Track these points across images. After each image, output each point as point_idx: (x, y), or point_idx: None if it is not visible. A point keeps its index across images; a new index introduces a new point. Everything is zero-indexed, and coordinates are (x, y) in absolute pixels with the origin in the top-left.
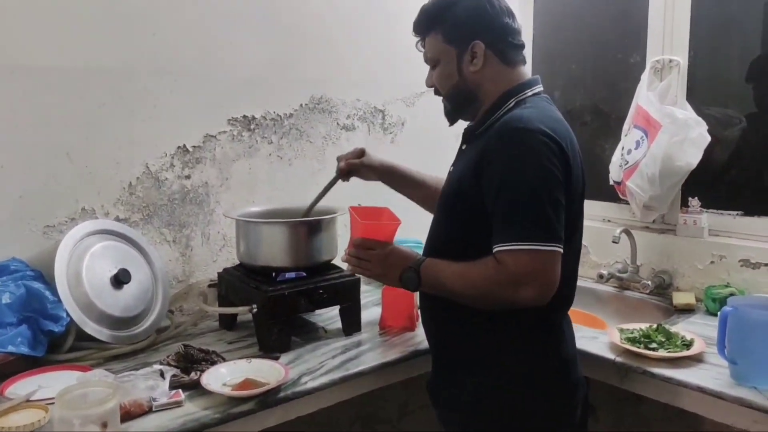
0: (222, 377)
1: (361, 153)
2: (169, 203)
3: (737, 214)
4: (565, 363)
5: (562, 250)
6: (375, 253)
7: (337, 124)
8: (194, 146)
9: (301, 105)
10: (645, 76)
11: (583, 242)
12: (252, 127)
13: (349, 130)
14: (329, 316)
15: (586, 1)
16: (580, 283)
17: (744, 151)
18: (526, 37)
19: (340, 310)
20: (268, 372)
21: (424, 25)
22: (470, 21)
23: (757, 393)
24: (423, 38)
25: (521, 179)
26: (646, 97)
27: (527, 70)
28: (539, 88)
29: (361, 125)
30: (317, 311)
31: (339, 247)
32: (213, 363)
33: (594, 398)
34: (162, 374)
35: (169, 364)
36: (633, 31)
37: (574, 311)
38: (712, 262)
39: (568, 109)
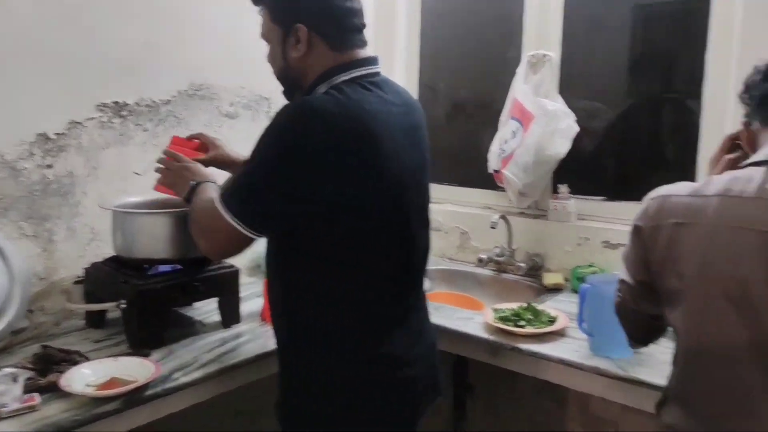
0: (85, 377)
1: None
2: (29, 195)
3: (601, 199)
4: (390, 362)
5: (244, 231)
6: (176, 164)
7: (219, 111)
8: (57, 133)
9: (180, 91)
10: (521, 70)
11: (465, 228)
12: (124, 113)
13: (233, 117)
14: (209, 309)
15: None
16: (462, 267)
17: (608, 141)
18: (413, 30)
19: (219, 302)
20: (136, 370)
21: None
22: (292, 1)
23: (611, 362)
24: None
25: (255, 146)
26: (521, 89)
27: (366, 53)
28: (365, 70)
29: (245, 113)
30: (196, 304)
31: None
32: (75, 363)
33: (472, 377)
34: (14, 378)
35: (24, 367)
36: (511, 27)
37: (455, 295)
38: (578, 244)
39: (454, 101)
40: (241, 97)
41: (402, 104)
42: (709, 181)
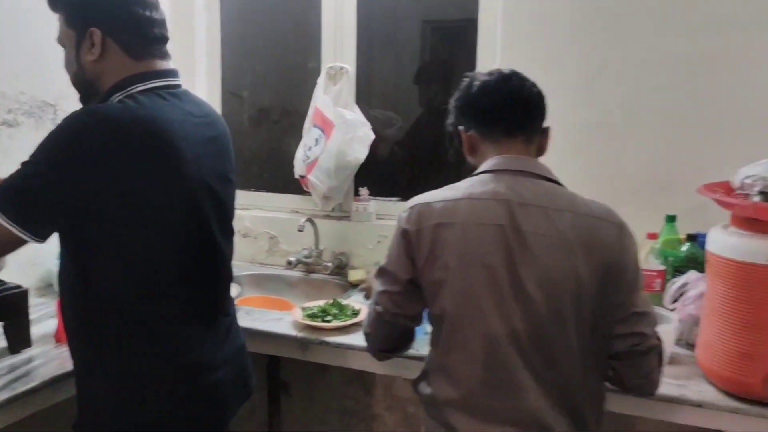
0: None
1: None
2: None
3: (396, 200)
4: (197, 369)
5: (18, 233)
6: None
7: None
8: None
9: None
10: (321, 81)
11: (273, 232)
12: None
13: (12, 126)
14: None
15: (268, 8)
16: (272, 271)
17: (400, 146)
18: (213, 38)
19: (4, 327)
20: None
21: (49, 3)
22: (87, 5)
23: None
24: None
25: (38, 149)
26: (322, 99)
27: (167, 65)
28: (164, 81)
29: (27, 121)
30: None
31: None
32: None
33: (287, 375)
34: None
35: None
36: (310, 39)
37: (266, 298)
38: (378, 242)
39: (260, 107)
40: (21, 104)
41: (202, 115)
42: (454, 187)
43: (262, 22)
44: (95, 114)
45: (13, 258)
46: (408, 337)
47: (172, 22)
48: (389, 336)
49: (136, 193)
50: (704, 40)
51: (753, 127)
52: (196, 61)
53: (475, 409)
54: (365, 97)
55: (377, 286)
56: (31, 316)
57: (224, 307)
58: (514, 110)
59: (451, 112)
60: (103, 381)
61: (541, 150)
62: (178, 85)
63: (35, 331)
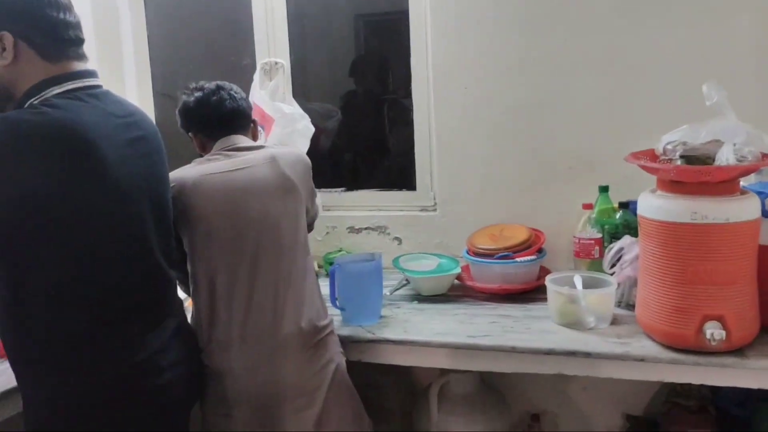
0: None
1: None
2: None
3: (341, 191)
4: (128, 373)
5: None
6: None
7: None
8: None
9: None
10: (257, 77)
11: None
12: None
13: None
14: None
15: (195, 7)
16: None
17: (341, 138)
18: (140, 39)
19: None
20: None
21: None
22: None
23: (362, 329)
24: None
25: None
26: (259, 95)
27: (83, 66)
28: (81, 83)
29: None
30: None
31: None
32: None
33: None
34: None
35: None
36: (242, 36)
37: None
38: (327, 233)
39: None
40: None
41: (126, 116)
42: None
43: (190, 21)
44: (4, 121)
45: None
46: None
47: (95, 24)
48: None
49: (53, 196)
50: (617, 29)
51: (669, 98)
52: (123, 64)
53: None
54: (302, 91)
55: None
56: None
57: (170, 308)
58: (223, 118)
59: (179, 118)
60: (42, 390)
61: (254, 137)
62: (98, 86)
63: None
